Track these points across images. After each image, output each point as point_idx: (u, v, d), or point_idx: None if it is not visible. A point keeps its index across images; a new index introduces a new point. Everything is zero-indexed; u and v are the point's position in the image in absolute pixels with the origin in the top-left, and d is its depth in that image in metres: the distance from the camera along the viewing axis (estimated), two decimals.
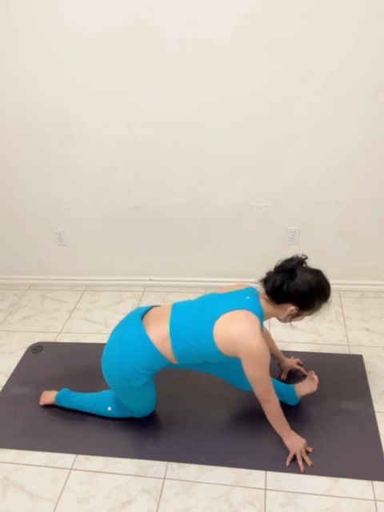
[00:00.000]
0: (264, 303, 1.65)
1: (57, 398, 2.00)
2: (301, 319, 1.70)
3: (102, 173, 2.48)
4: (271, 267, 1.67)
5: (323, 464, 1.68)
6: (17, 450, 1.87)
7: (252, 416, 1.88)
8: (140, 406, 1.85)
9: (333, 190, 2.34)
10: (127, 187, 2.51)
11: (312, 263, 1.67)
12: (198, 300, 1.76)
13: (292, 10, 1.92)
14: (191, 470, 1.72)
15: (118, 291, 2.84)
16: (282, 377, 2.07)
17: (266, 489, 1.63)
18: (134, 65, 2.14)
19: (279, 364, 2.08)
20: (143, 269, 2.81)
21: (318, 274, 1.64)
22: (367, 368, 2.08)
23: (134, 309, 1.89)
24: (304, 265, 1.65)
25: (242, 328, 1.55)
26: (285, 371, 2.08)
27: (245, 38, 2.00)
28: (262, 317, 1.64)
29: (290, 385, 1.90)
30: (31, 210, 2.70)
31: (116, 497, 1.66)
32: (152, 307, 1.82)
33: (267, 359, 1.57)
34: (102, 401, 1.93)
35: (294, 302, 1.61)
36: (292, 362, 2.08)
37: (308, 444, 1.73)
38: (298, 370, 2.08)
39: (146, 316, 1.77)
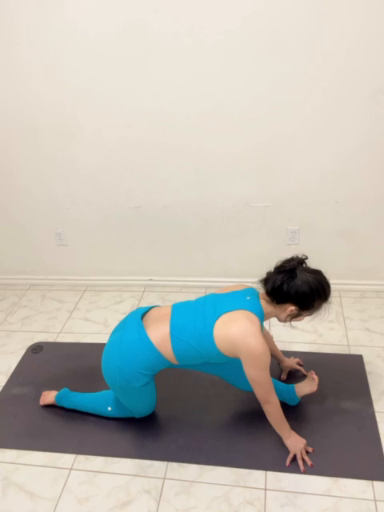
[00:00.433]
0: (264, 303, 1.65)
1: (57, 398, 2.00)
2: (301, 319, 1.70)
3: (102, 173, 2.48)
4: (271, 267, 1.67)
5: (323, 464, 1.68)
6: (17, 449, 1.87)
7: (252, 416, 1.88)
8: (140, 407, 1.85)
9: (333, 190, 2.34)
10: (127, 187, 2.51)
11: (312, 263, 1.67)
12: (198, 300, 1.76)
13: (292, 11, 1.93)
14: (191, 470, 1.72)
15: (118, 291, 2.84)
16: (282, 377, 2.07)
17: (265, 489, 1.63)
18: (134, 65, 2.14)
19: (279, 364, 2.08)
20: (143, 269, 2.81)
21: (318, 274, 1.64)
22: (367, 368, 2.08)
23: (133, 309, 1.89)
24: (304, 265, 1.65)
25: (243, 328, 1.55)
26: (285, 371, 2.08)
27: (245, 38, 2.00)
28: (262, 317, 1.64)
29: (290, 385, 1.90)
30: (31, 210, 2.70)
31: (116, 497, 1.66)
32: (152, 307, 1.82)
33: (268, 360, 1.57)
34: (101, 401, 1.93)
35: (294, 302, 1.61)
36: (292, 362, 2.08)
37: (308, 444, 1.73)
38: (297, 370, 2.09)
39: (146, 316, 1.77)
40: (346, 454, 1.71)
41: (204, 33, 2.02)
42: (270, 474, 1.68)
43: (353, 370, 2.08)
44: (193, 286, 2.79)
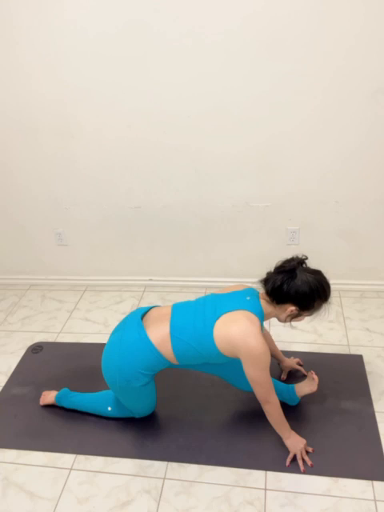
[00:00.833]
0: (264, 304, 1.65)
1: (57, 398, 2.00)
2: (301, 319, 1.70)
3: (102, 173, 2.48)
4: (271, 267, 1.67)
5: (323, 464, 1.68)
6: (17, 449, 1.87)
7: (252, 416, 1.88)
8: (140, 407, 1.85)
9: (333, 190, 2.34)
10: (127, 187, 2.51)
11: (312, 263, 1.67)
12: (198, 300, 1.76)
13: (292, 11, 1.92)
14: (191, 470, 1.72)
15: (118, 291, 2.84)
16: (282, 377, 2.07)
17: (265, 489, 1.63)
18: (134, 65, 2.14)
19: (279, 364, 2.08)
20: (143, 269, 2.81)
21: (318, 274, 1.64)
22: (367, 368, 2.08)
23: (134, 309, 1.89)
24: (304, 265, 1.65)
25: (243, 328, 1.55)
26: (285, 371, 2.08)
27: (245, 38, 2.00)
28: (262, 317, 1.64)
29: (290, 385, 1.90)
30: (31, 210, 2.70)
31: (116, 497, 1.66)
32: (152, 307, 1.82)
33: (268, 360, 1.57)
34: (101, 401, 1.93)
35: (294, 303, 1.61)
36: (292, 362, 2.08)
37: (308, 444, 1.73)
38: (297, 370, 2.09)
39: (146, 316, 1.77)
40: (346, 454, 1.71)
41: (204, 33, 2.02)
42: (270, 474, 1.68)
43: (353, 369, 2.08)
44: (193, 286, 2.79)
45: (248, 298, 1.65)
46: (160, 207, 2.54)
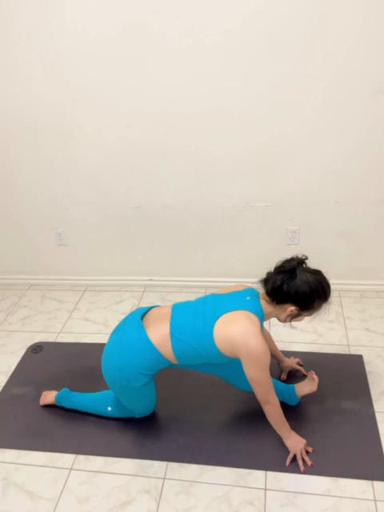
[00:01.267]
0: (264, 304, 1.65)
1: (57, 398, 2.00)
2: (301, 319, 1.70)
3: (102, 173, 2.48)
4: (271, 267, 1.67)
5: (323, 464, 1.68)
6: (17, 449, 1.87)
7: (252, 416, 1.88)
8: (140, 407, 1.85)
9: (333, 190, 2.34)
10: (127, 187, 2.51)
11: (312, 263, 1.67)
12: (198, 300, 1.76)
13: (292, 11, 1.92)
14: (191, 470, 1.72)
15: (118, 291, 2.84)
16: (282, 377, 2.07)
17: (265, 489, 1.63)
18: (134, 65, 2.14)
19: (279, 364, 2.08)
20: (143, 269, 2.81)
21: (318, 274, 1.64)
22: (367, 368, 2.08)
23: (134, 309, 1.89)
24: (304, 265, 1.65)
25: (243, 328, 1.55)
26: (285, 371, 2.08)
27: (245, 38, 2.00)
28: (262, 317, 1.64)
29: (290, 385, 1.90)
30: (31, 210, 2.70)
31: (116, 497, 1.66)
32: (152, 307, 1.82)
33: (267, 360, 1.57)
34: (101, 401, 1.93)
35: (294, 303, 1.61)
36: (292, 362, 2.08)
37: (308, 444, 1.73)
38: (297, 370, 2.09)
39: (146, 316, 1.77)
40: (346, 453, 1.71)
41: (204, 33, 2.02)
42: (270, 474, 1.68)
43: (353, 369, 2.08)
44: (193, 286, 2.79)
45: (248, 298, 1.65)
46: (160, 207, 2.54)
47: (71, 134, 2.39)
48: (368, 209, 2.36)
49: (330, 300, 1.65)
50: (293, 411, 1.87)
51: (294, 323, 1.71)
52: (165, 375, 1.95)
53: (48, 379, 2.19)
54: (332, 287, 1.66)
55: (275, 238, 2.54)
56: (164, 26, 2.03)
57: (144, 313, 1.78)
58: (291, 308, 1.62)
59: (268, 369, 1.58)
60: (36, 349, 2.41)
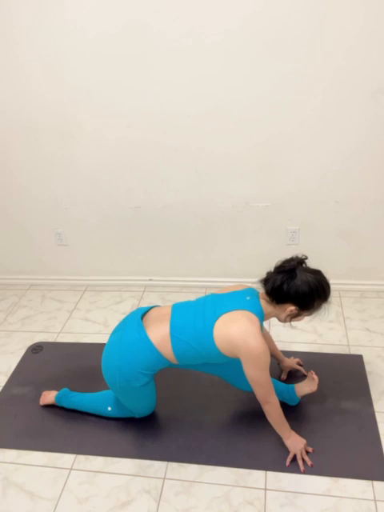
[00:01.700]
0: (264, 303, 1.65)
1: (57, 398, 2.00)
2: (301, 319, 1.70)
3: (102, 173, 2.48)
4: (271, 267, 1.67)
5: (323, 464, 1.68)
6: (17, 449, 1.87)
7: (252, 416, 1.88)
8: (140, 407, 1.85)
9: (333, 190, 2.34)
10: (127, 187, 2.51)
11: (312, 263, 1.67)
12: (198, 300, 1.76)
13: (292, 11, 1.92)
14: (191, 470, 1.72)
15: (118, 291, 2.84)
16: (282, 377, 2.07)
17: (265, 489, 1.63)
18: (134, 65, 2.14)
19: (279, 364, 2.08)
20: (143, 269, 2.81)
21: (317, 274, 1.64)
22: (367, 368, 2.08)
23: (134, 309, 1.89)
24: (304, 265, 1.65)
25: (243, 328, 1.55)
26: (285, 371, 2.08)
27: (245, 38, 2.00)
28: (262, 317, 1.64)
29: (290, 385, 1.90)
30: (31, 210, 2.70)
31: (116, 497, 1.66)
32: (152, 307, 1.82)
33: (267, 360, 1.57)
34: (101, 401, 1.93)
35: (294, 302, 1.61)
36: (292, 362, 2.08)
37: (308, 444, 1.73)
38: (297, 370, 2.09)
39: (146, 316, 1.77)
40: (346, 453, 1.71)
41: (204, 33, 2.02)
42: (270, 474, 1.68)
43: (353, 369, 2.08)
44: (193, 286, 2.79)
45: (248, 298, 1.65)
46: (160, 207, 2.54)
47: (71, 134, 2.39)
48: (368, 209, 2.36)
49: (329, 300, 1.65)
50: (293, 411, 1.87)
51: (293, 323, 1.71)
52: (165, 375, 1.95)
53: (48, 379, 2.19)
54: (332, 287, 1.66)
55: (275, 238, 2.54)
56: (164, 26, 2.03)
57: (144, 313, 1.78)
58: (291, 308, 1.62)
59: (268, 369, 1.58)
60: (36, 349, 2.41)
